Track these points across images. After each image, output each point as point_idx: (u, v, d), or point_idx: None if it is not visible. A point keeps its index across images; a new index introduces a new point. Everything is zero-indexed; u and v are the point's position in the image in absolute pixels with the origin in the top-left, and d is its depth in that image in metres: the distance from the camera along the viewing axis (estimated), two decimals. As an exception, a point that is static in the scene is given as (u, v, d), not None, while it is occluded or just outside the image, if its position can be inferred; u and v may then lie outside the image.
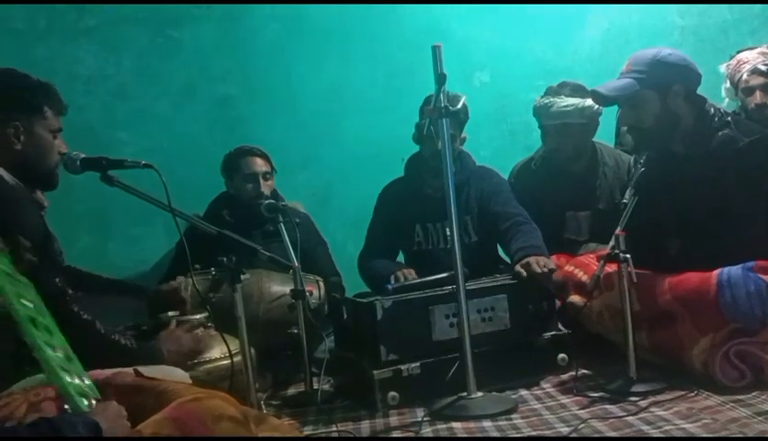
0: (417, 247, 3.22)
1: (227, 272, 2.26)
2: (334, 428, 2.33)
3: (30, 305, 1.45)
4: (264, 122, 3.82)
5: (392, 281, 2.86)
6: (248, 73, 3.87)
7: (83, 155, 2.16)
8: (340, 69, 3.93)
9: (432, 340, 2.58)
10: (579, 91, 3.13)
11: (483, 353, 2.50)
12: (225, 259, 2.25)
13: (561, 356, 2.69)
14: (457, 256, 2.42)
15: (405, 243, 3.26)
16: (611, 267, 2.43)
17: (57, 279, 1.91)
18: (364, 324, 2.63)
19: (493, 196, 3.15)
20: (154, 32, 3.79)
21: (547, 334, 2.72)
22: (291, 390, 2.89)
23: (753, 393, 2.21)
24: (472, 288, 2.59)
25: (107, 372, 1.66)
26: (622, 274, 2.37)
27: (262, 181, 3.27)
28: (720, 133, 2.49)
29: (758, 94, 3.15)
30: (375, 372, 2.50)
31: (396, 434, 2.27)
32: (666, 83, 2.49)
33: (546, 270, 2.69)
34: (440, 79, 2.37)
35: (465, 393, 2.40)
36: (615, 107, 2.83)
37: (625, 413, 2.18)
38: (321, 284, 3.01)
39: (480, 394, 2.40)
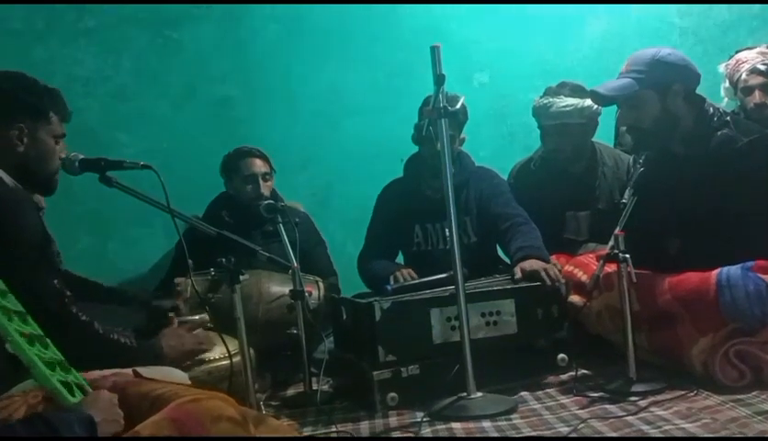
0: (416, 248, 3.22)
1: (226, 273, 2.25)
2: (334, 429, 2.32)
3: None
4: (263, 123, 3.81)
5: (392, 282, 2.87)
6: (248, 73, 3.86)
7: (81, 156, 2.16)
8: (340, 69, 3.92)
9: (432, 343, 2.56)
10: (578, 91, 3.13)
11: (483, 354, 2.48)
12: (224, 260, 2.25)
13: (561, 356, 2.68)
14: (457, 257, 2.42)
15: (404, 244, 3.25)
16: (610, 267, 2.43)
17: (55, 281, 1.91)
18: (362, 325, 2.63)
19: (493, 196, 3.15)
20: (154, 33, 3.78)
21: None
22: (290, 391, 2.89)
23: (753, 393, 2.21)
24: (478, 290, 2.58)
25: (106, 373, 1.66)
26: (621, 274, 2.36)
27: (261, 182, 3.26)
28: (719, 133, 2.49)
29: (757, 93, 3.15)
30: (374, 373, 2.50)
31: (395, 434, 2.27)
32: (665, 83, 2.49)
33: (557, 285, 2.68)
34: (439, 80, 2.37)
35: (464, 393, 2.39)
36: (615, 108, 2.83)
37: (625, 413, 2.18)
38: (321, 284, 3.01)
39: (479, 394, 2.39)
